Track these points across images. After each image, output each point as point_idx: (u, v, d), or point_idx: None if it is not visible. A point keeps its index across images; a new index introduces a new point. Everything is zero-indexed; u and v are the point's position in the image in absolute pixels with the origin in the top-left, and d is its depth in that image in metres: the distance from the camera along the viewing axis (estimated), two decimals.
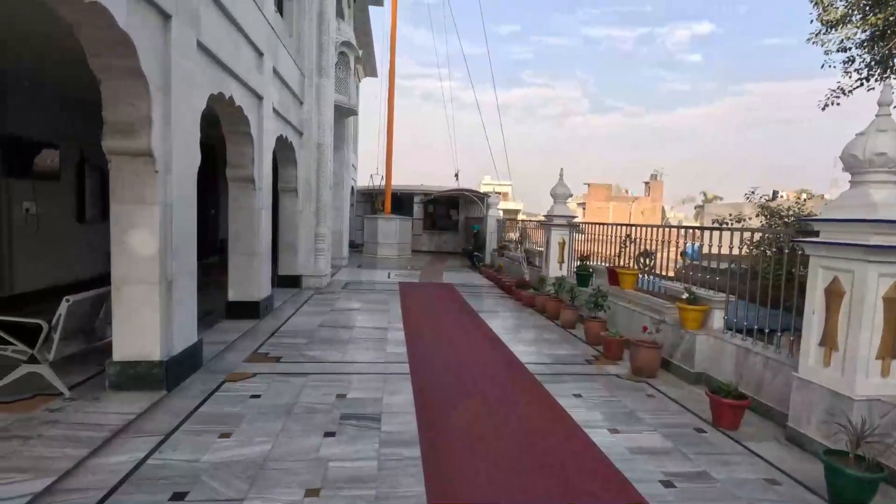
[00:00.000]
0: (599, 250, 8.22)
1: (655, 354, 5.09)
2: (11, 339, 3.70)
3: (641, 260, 6.89)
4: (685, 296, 5.11)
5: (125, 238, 3.92)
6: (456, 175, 23.57)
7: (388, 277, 12.35)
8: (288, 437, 3.38)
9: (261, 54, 6.57)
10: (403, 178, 24.85)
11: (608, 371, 5.24)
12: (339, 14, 12.37)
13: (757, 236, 6.49)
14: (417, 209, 21.62)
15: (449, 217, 22.01)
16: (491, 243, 15.66)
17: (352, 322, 7.04)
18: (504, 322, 7.59)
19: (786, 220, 9.00)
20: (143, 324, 3.99)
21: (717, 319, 5.02)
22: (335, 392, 4.26)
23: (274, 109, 7.30)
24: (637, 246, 7.04)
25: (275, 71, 7.29)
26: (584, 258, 8.23)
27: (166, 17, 3.91)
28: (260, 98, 6.60)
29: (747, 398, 3.91)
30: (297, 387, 4.35)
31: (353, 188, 22.14)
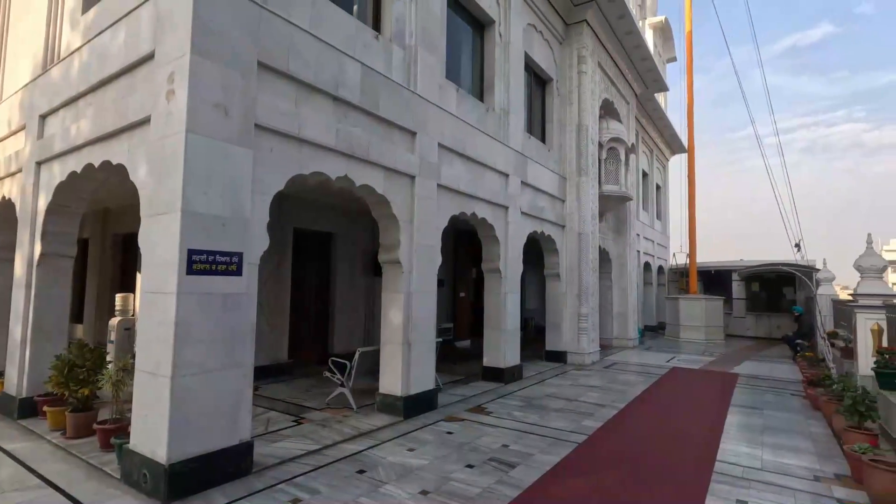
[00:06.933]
0: None
1: None
2: (335, 371, 6.50)
3: None
4: None
5: (388, 314, 6.30)
6: (797, 245, 19.50)
7: (667, 362, 11.72)
8: (442, 461, 4.67)
9: (505, 175, 8.65)
10: (738, 253, 22.25)
11: (833, 494, 4.13)
12: (612, 113, 13.66)
13: None
14: (737, 288, 18.95)
15: (781, 297, 18.23)
16: (825, 329, 12.35)
17: (578, 396, 7.61)
18: (753, 420, 6.47)
19: None
20: (393, 370, 6.18)
21: None
22: (503, 442, 5.25)
23: (523, 213, 9.16)
24: None
25: (523, 183, 9.23)
26: (889, 351, 6.16)
27: (412, 178, 6.35)
28: (505, 208, 8.59)
29: None
30: (482, 433, 5.57)
31: (661, 267, 21.53)
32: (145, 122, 4.28)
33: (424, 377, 6.45)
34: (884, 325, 7.10)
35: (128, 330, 6.22)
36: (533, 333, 15.38)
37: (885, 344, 6.88)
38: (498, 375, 8.38)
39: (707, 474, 4.52)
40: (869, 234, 7.55)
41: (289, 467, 4.40)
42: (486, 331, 8.64)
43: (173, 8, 4.04)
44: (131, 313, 6.53)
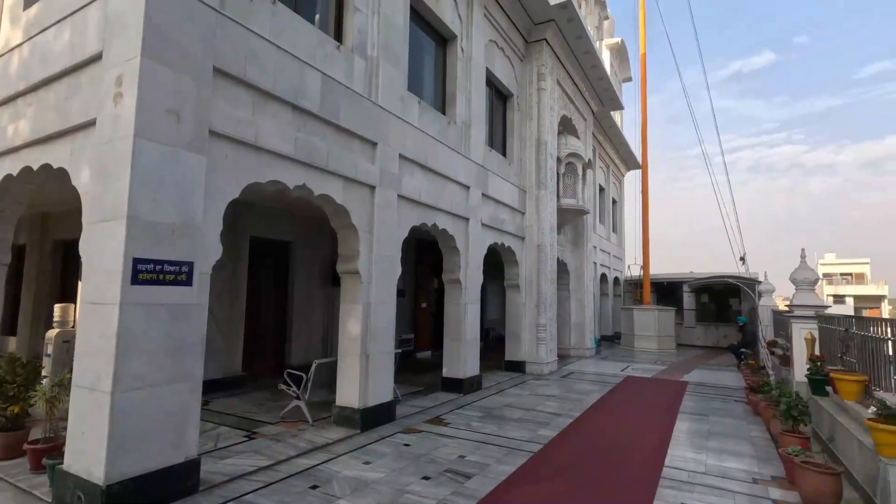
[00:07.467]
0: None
1: (831, 483, 4.02)
2: (291, 383, 6.35)
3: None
4: (871, 410, 3.96)
5: (346, 324, 6.22)
6: (742, 258, 20.61)
7: (622, 371, 12.07)
8: (399, 473, 4.63)
9: (467, 187, 8.75)
10: (691, 266, 23.28)
11: (770, 496, 4.36)
12: (570, 129, 14.10)
13: None
14: (688, 299, 19.80)
15: (728, 308, 19.18)
16: (765, 338, 13.07)
17: (536, 406, 7.72)
18: (699, 427, 6.77)
19: None
20: (351, 382, 6.09)
21: None
22: (460, 453, 5.26)
23: (483, 224, 9.28)
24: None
25: (484, 195, 9.37)
26: (820, 359, 6.60)
27: (372, 188, 6.34)
28: (465, 219, 8.68)
29: None
30: (440, 444, 5.56)
31: (616, 279, 22.21)
32: (90, 124, 4.10)
33: (382, 389, 6.39)
34: (816, 334, 7.60)
35: (67, 342, 5.87)
36: (493, 343, 15.51)
37: (816, 352, 7.36)
38: (457, 386, 8.40)
39: (655, 479, 4.68)
40: (802, 250, 8.08)
41: (238, 485, 4.25)
42: (445, 341, 8.66)
43: (124, 9, 3.92)
44: (71, 325, 6.17)
